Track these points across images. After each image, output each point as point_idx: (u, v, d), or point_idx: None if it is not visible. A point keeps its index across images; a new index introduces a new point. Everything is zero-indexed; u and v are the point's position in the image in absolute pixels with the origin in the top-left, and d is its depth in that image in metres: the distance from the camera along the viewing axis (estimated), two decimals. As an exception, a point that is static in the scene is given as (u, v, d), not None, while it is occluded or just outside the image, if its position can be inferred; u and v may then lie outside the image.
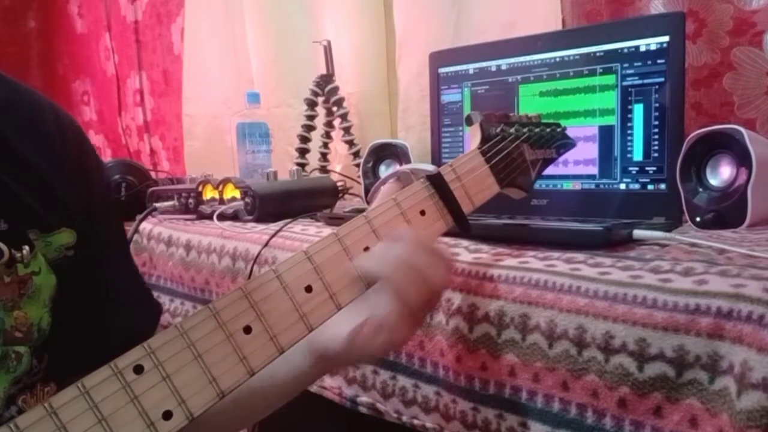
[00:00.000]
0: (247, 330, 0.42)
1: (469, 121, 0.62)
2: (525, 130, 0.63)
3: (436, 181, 0.53)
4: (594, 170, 0.83)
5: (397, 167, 1.04)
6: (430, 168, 0.56)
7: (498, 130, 0.61)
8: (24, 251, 0.51)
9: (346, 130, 1.38)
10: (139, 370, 0.38)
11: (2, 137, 0.54)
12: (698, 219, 0.72)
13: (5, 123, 0.54)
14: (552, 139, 0.66)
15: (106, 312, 0.62)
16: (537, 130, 0.64)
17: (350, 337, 0.52)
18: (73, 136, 0.61)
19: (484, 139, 0.60)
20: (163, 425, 0.38)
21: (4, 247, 0.50)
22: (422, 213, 0.52)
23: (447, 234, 0.60)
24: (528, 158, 0.62)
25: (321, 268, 0.47)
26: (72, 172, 0.59)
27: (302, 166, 1.40)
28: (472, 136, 0.61)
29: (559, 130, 0.68)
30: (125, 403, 0.37)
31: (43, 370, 0.54)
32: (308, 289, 0.46)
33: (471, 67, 0.94)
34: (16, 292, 0.52)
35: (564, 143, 0.68)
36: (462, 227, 0.55)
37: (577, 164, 0.84)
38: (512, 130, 0.62)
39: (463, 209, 0.54)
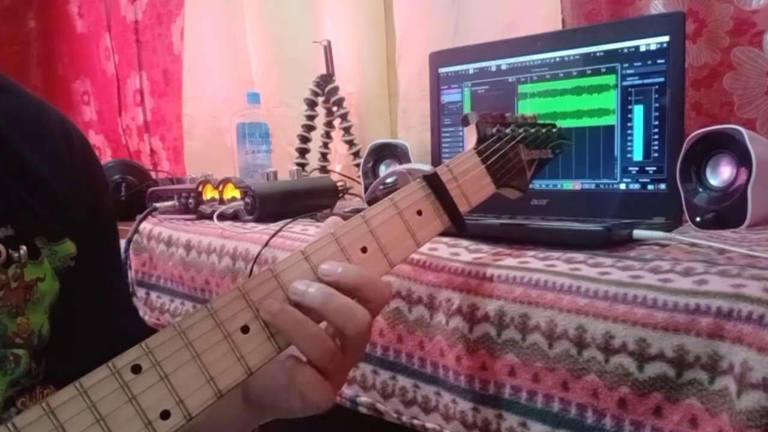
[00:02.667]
0: (245, 329, 0.42)
1: (465, 122, 0.62)
2: (521, 130, 0.63)
3: (433, 181, 0.53)
4: (594, 170, 0.83)
5: (397, 167, 1.04)
6: (427, 168, 0.56)
7: (494, 130, 0.61)
8: (21, 251, 0.51)
9: (346, 130, 1.38)
10: (137, 369, 0.38)
11: (10, 145, 0.54)
12: (698, 219, 0.72)
13: (13, 131, 0.55)
14: (548, 140, 0.66)
15: (105, 319, 0.62)
16: (533, 130, 0.65)
17: (279, 397, 0.49)
18: (80, 147, 0.61)
19: (480, 140, 0.60)
20: (161, 425, 0.38)
21: (1, 248, 0.50)
22: (419, 213, 0.52)
23: (445, 234, 0.60)
24: (524, 158, 0.63)
25: (318, 266, 0.46)
26: (78, 184, 0.59)
27: (302, 166, 1.40)
28: (469, 137, 0.61)
29: (554, 130, 0.68)
30: (123, 402, 0.37)
31: (42, 373, 0.53)
32: None
33: (471, 67, 0.94)
34: (22, 297, 0.51)
35: (560, 143, 0.68)
36: (458, 227, 0.55)
37: (578, 164, 0.84)
38: (508, 130, 0.62)
39: (459, 209, 0.54)
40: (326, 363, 0.45)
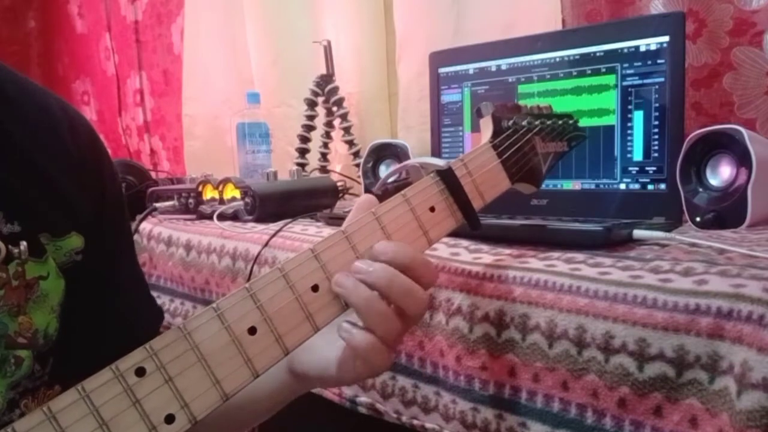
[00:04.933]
0: (252, 331, 0.41)
1: (479, 114, 0.59)
2: (537, 122, 0.61)
3: (447, 177, 0.52)
4: (594, 170, 0.83)
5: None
6: (440, 162, 0.54)
7: (510, 122, 0.59)
8: (22, 247, 0.50)
9: (346, 130, 1.38)
10: (141, 372, 0.37)
11: (11, 138, 0.52)
12: (698, 219, 0.72)
13: (13, 124, 0.53)
14: (564, 132, 0.64)
15: (111, 317, 0.61)
16: (549, 122, 0.62)
17: (330, 366, 0.51)
18: (85, 136, 0.60)
19: (496, 133, 0.58)
20: (165, 429, 0.37)
21: (1, 244, 0.49)
22: (432, 209, 0.51)
23: (449, 233, 0.60)
24: (540, 152, 0.61)
25: (328, 266, 0.45)
26: (83, 175, 0.58)
27: (302, 166, 1.40)
28: (483, 129, 0.59)
29: (571, 122, 0.65)
30: (126, 406, 0.37)
31: (47, 375, 0.53)
32: (315, 288, 0.45)
33: (471, 67, 0.94)
34: (23, 296, 0.50)
35: (576, 136, 0.66)
36: (472, 224, 0.53)
37: (578, 164, 0.84)
38: (524, 122, 0.60)
39: (473, 205, 0.53)
40: (389, 337, 0.46)
